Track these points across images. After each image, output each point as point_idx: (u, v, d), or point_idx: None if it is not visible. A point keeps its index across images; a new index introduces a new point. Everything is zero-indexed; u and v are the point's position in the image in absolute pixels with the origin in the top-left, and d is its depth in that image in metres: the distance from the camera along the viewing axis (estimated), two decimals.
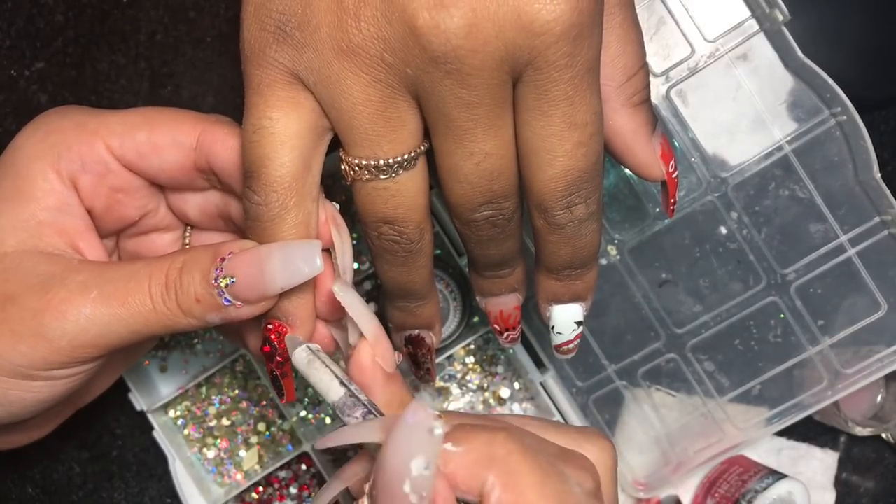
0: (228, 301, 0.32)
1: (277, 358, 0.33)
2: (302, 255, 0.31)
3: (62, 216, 0.35)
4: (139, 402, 0.51)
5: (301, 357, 0.32)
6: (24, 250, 0.34)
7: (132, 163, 0.35)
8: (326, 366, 0.32)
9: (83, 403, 0.41)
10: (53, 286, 0.32)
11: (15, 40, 0.50)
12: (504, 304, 0.38)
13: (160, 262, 0.33)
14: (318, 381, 0.31)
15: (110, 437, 0.55)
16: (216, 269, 0.32)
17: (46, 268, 0.33)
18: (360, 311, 0.32)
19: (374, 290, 0.53)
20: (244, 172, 0.32)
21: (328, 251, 0.34)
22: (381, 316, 0.33)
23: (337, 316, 0.35)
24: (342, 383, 0.31)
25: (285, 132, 0.31)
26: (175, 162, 0.35)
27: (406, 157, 0.31)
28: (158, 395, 0.53)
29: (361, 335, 0.32)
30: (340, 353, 0.36)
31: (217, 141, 0.34)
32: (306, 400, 0.54)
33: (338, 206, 0.34)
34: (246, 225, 0.32)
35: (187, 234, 0.39)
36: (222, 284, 0.31)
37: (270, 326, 0.34)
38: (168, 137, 0.35)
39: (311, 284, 0.33)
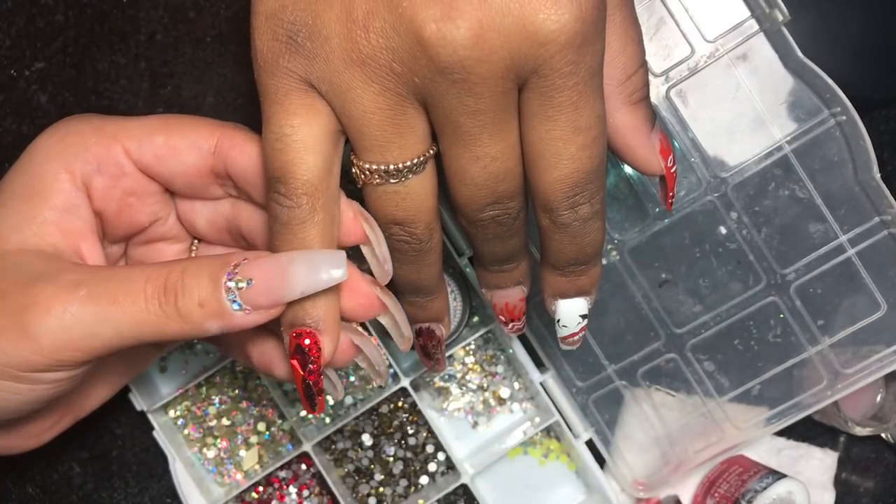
0: (238, 306, 0.31)
1: (311, 366, 0.33)
2: (329, 264, 0.31)
3: (68, 216, 0.35)
4: (139, 402, 0.51)
5: None
6: (24, 249, 0.33)
7: (149, 166, 0.35)
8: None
9: (84, 413, 0.40)
10: (41, 282, 0.32)
11: (15, 40, 0.50)
12: (509, 296, 0.39)
13: (160, 266, 0.32)
14: None
15: (110, 437, 0.55)
16: (229, 273, 0.31)
17: (41, 266, 0.33)
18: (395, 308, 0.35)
19: None
20: (269, 179, 0.32)
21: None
22: None
23: (361, 317, 0.35)
24: None
25: (308, 138, 0.31)
26: (192, 165, 0.35)
27: (415, 161, 0.32)
28: (158, 395, 0.53)
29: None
30: (362, 355, 0.36)
31: (235, 146, 0.35)
32: None
33: (358, 204, 0.35)
34: (273, 230, 0.32)
35: (194, 248, 0.39)
36: (236, 287, 0.31)
37: (300, 334, 0.33)
38: (186, 140, 0.35)
39: (337, 289, 0.33)
